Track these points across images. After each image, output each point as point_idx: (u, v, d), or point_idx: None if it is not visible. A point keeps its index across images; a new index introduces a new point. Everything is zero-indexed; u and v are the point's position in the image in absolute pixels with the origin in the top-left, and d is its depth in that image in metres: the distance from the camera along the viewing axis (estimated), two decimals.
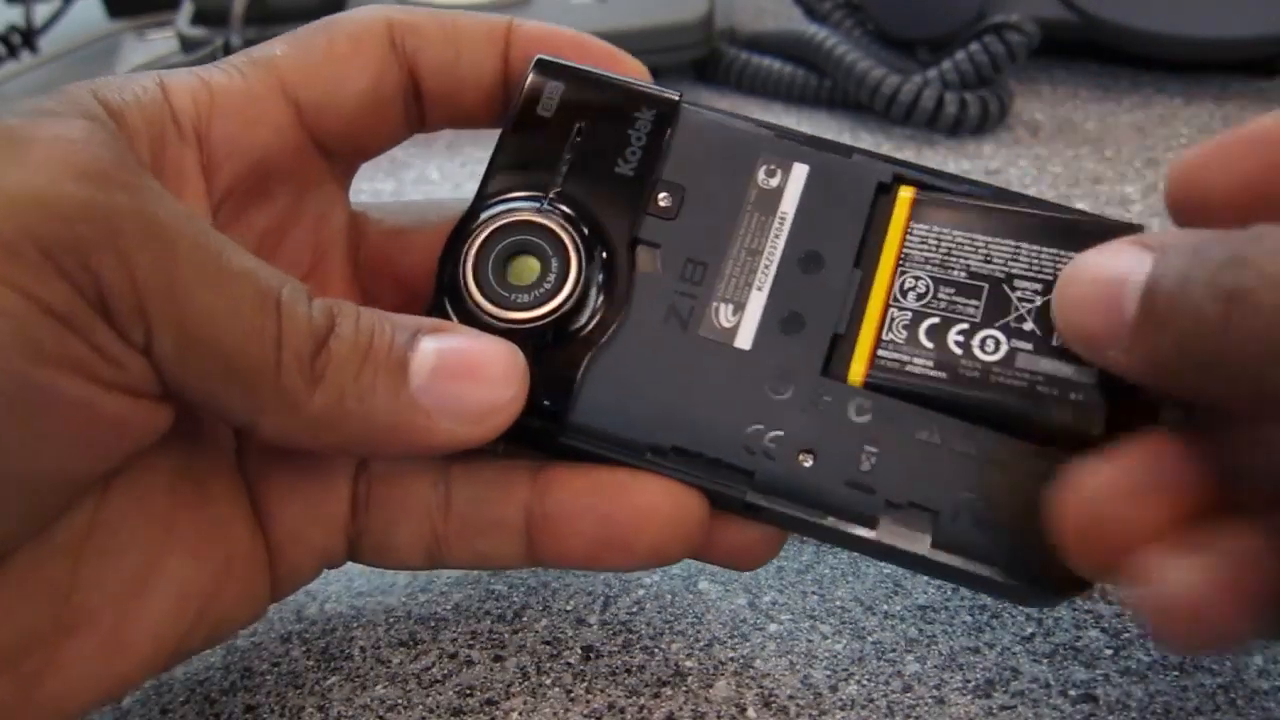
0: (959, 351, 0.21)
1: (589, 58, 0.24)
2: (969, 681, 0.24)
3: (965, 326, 0.21)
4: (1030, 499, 0.20)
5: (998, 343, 0.21)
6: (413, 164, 0.47)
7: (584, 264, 0.22)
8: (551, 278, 0.21)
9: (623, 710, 0.24)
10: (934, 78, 0.44)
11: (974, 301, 0.21)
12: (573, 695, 0.25)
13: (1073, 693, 0.24)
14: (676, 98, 0.23)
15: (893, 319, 0.21)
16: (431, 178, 0.47)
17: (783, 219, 0.22)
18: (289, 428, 0.20)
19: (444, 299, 0.22)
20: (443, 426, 0.20)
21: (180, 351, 0.18)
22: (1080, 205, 0.40)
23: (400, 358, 0.20)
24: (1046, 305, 0.20)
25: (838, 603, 0.26)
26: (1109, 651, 0.25)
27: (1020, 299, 0.21)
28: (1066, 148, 0.44)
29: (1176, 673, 0.24)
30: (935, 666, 0.25)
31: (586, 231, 0.22)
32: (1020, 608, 0.25)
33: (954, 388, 0.21)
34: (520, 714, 0.24)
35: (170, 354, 0.18)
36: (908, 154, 0.44)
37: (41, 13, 0.61)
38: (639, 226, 0.22)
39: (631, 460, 0.21)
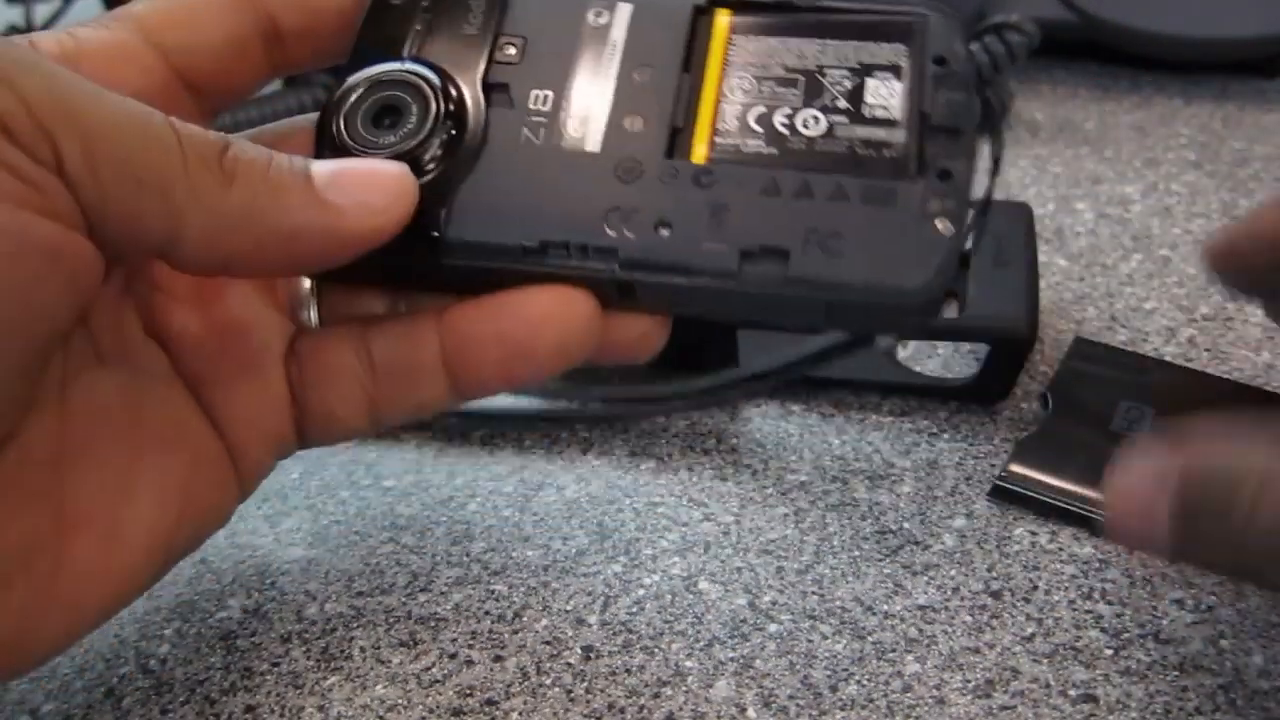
0: (785, 131, 0.24)
1: None
2: (969, 681, 0.24)
3: (788, 110, 0.24)
4: (871, 217, 0.22)
5: (817, 119, 0.24)
6: None
7: (440, 105, 0.24)
8: (413, 120, 0.24)
9: (623, 710, 0.24)
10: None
11: (793, 90, 0.24)
12: (573, 695, 0.25)
13: (1073, 693, 0.24)
14: None
15: (724, 111, 0.24)
16: None
17: (614, 47, 0.25)
18: (211, 229, 0.21)
19: (323, 149, 0.24)
20: (353, 218, 0.22)
21: (89, 162, 0.19)
22: (1080, 205, 0.40)
23: (301, 167, 0.22)
24: (857, 87, 0.24)
25: (838, 603, 0.26)
26: (1109, 651, 0.25)
27: (831, 84, 0.24)
28: (1066, 148, 0.44)
29: (1176, 673, 0.24)
30: (935, 666, 0.25)
31: (439, 80, 0.24)
32: (896, 336, 0.28)
33: (786, 158, 0.23)
34: (520, 714, 0.24)
35: (80, 166, 0.19)
36: None
37: (41, 13, 0.61)
38: (488, 73, 0.25)
39: (509, 264, 0.23)
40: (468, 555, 0.29)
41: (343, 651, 0.26)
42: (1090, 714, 0.24)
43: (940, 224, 0.22)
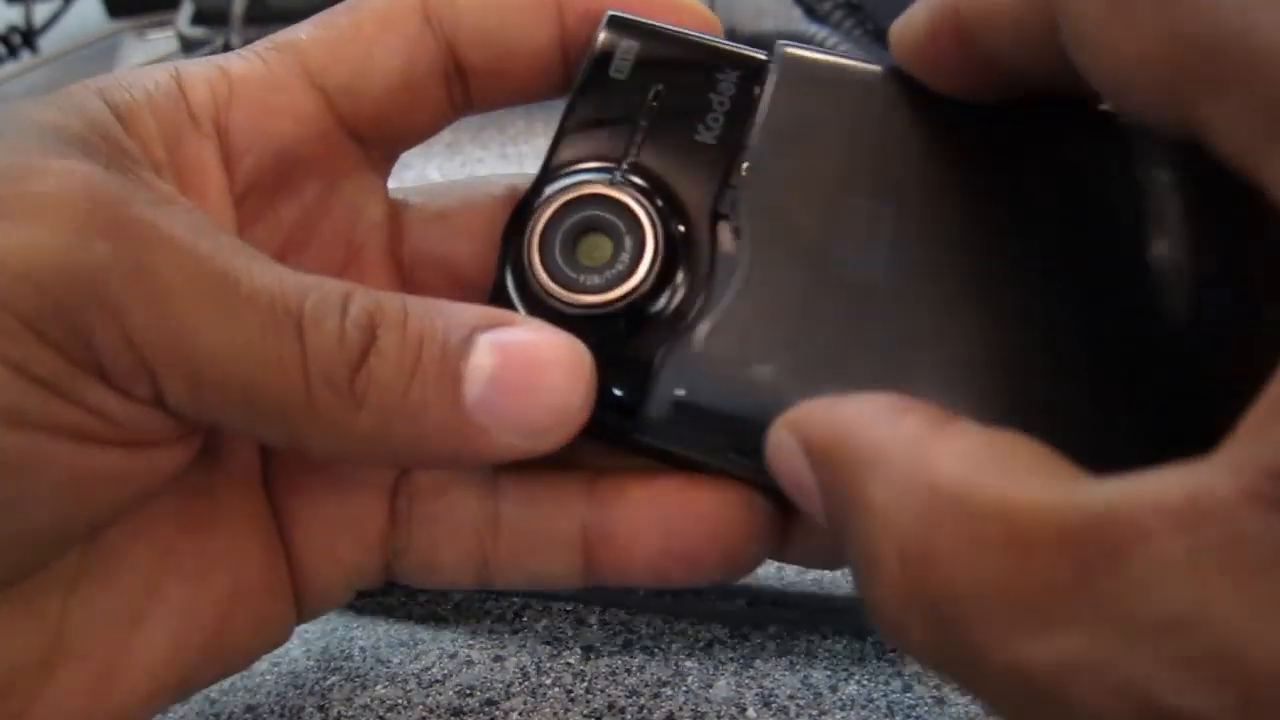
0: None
1: (655, 12, 0.22)
2: None
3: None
4: None
5: None
6: (413, 164, 0.47)
7: (660, 241, 0.19)
8: (625, 257, 0.19)
9: (623, 710, 0.24)
10: None
11: None
12: (573, 695, 0.25)
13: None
14: (764, 58, 0.21)
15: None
16: (431, 178, 0.47)
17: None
18: (335, 450, 0.18)
19: (506, 282, 0.20)
20: (501, 441, 0.18)
21: (195, 395, 0.17)
22: None
23: (453, 370, 0.18)
24: None
25: (838, 603, 0.26)
26: None
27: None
28: None
29: None
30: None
31: (662, 205, 0.20)
32: None
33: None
34: (520, 714, 0.24)
35: (185, 399, 0.17)
36: None
37: (41, 13, 0.61)
38: (721, 199, 0.20)
39: (712, 460, 0.19)
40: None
41: (343, 651, 0.26)
42: None
43: None
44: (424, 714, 0.24)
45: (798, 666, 0.25)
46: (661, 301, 0.20)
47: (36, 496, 0.17)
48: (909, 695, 0.24)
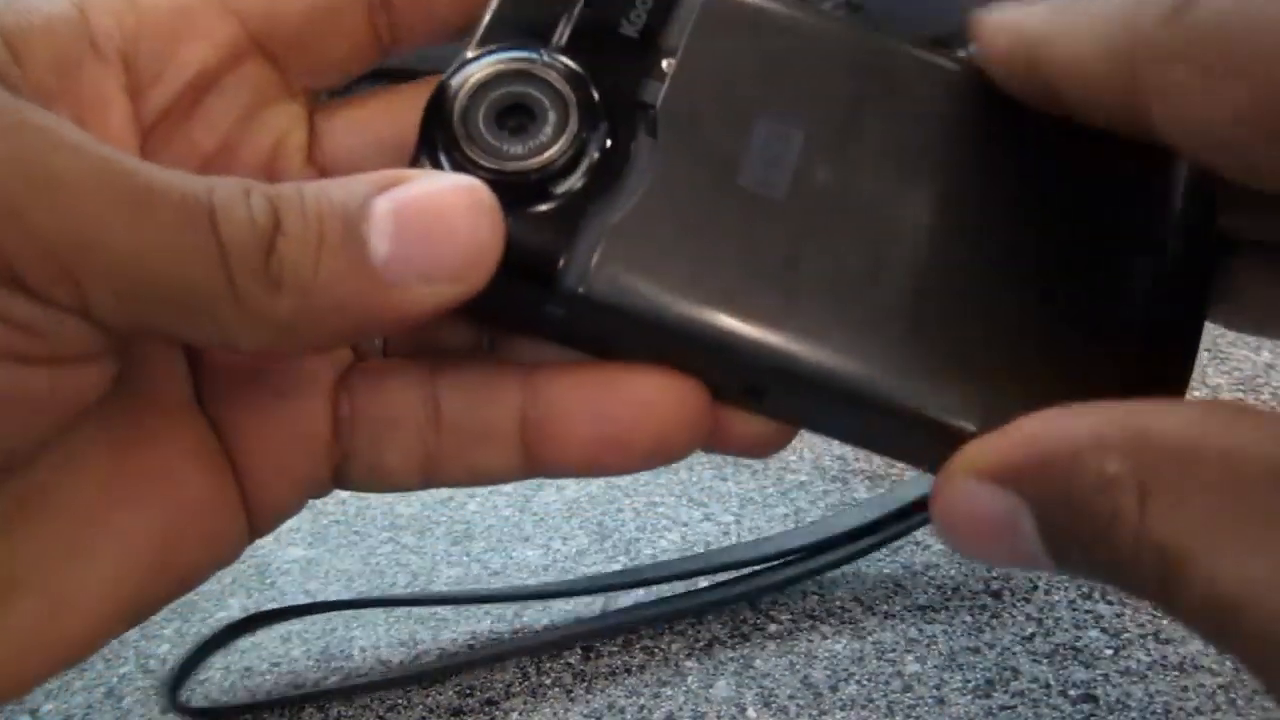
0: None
1: None
2: (969, 681, 0.24)
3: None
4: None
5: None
6: None
7: (581, 116, 0.20)
8: (547, 129, 0.20)
9: (623, 710, 0.24)
10: None
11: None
12: (573, 695, 0.25)
13: (1073, 693, 0.24)
14: None
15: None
16: None
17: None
18: (264, 339, 0.18)
19: (427, 148, 0.21)
20: (420, 292, 0.18)
21: (121, 299, 0.17)
22: None
23: (356, 235, 0.18)
24: None
25: (838, 603, 0.26)
26: (1109, 651, 0.25)
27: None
28: None
29: (1176, 673, 0.24)
30: (935, 666, 0.25)
31: (583, 85, 0.21)
32: None
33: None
34: (520, 714, 0.24)
35: (110, 303, 0.17)
36: None
37: None
38: (644, 90, 0.21)
39: (637, 338, 0.20)
40: (468, 555, 0.29)
41: (343, 651, 0.26)
42: (1090, 714, 0.24)
43: None
44: (424, 714, 0.24)
45: (798, 667, 0.25)
46: (578, 177, 0.20)
47: None
48: (909, 695, 0.24)
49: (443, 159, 0.20)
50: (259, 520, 0.22)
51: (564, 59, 0.21)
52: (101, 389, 0.19)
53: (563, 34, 0.21)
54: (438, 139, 0.20)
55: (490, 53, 0.21)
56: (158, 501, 0.20)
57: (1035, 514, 0.17)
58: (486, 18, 0.22)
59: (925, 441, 0.20)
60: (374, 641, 0.26)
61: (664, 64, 0.21)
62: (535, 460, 0.21)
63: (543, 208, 0.20)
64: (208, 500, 0.21)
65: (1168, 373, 0.20)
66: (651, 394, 0.20)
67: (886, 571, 0.27)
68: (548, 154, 0.20)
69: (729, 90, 0.21)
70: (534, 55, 0.21)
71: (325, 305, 0.18)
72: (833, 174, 0.21)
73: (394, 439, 0.22)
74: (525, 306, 0.20)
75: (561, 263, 0.20)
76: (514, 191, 0.20)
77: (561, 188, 0.20)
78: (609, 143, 0.20)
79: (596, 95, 0.21)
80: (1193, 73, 0.16)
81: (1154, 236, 0.21)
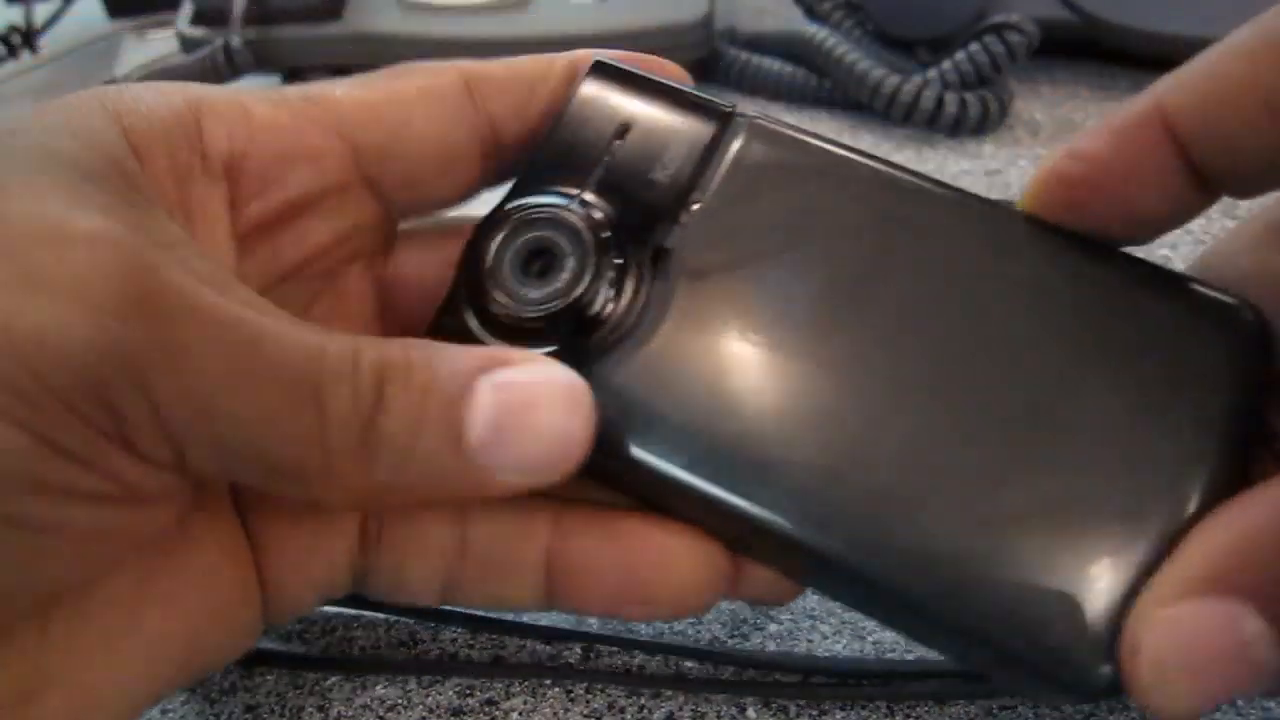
0: None
1: (640, 67, 0.23)
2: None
3: None
4: None
5: None
6: None
7: (599, 263, 0.21)
8: (565, 276, 0.21)
9: (623, 710, 0.24)
10: (934, 78, 0.44)
11: None
12: (573, 695, 0.25)
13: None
14: (730, 110, 0.23)
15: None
16: None
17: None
18: (346, 503, 0.19)
19: (459, 290, 0.22)
20: (505, 480, 0.19)
21: (217, 462, 0.18)
22: None
23: (456, 418, 0.18)
24: None
25: (837, 603, 0.26)
26: None
27: None
28: None
29: None
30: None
31: (608, 233, 0.21)
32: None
33: None
34: (520, 714, 0.24)
35: (207, 465, 0.18)
36: (907, 154, 0.44)
37: (41, 13, 0.61)
38: (665, 235, 0.21)
39: (636, 488, 0.21)
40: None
41: (342, 651, 0.26)
42: (1090, 714, 0.24)
43: None
44: (424, 714, 0.24)
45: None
46: (592, 319, 0.21)
47: (50, 557, 0.17)
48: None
49: (470, 299, 0.21)
50: (275, 616, 0.22)
51: (590, 204, 0.22)
52: (173, 521, 0.19)
53: (595, 179, 0.22)
54: (468, 279, 0.21)
55: (525, 197, 0.22)
56: (193, 601, 0.21)
57: (1262, 610, 0.15)
58: (529, 158, 0.22)
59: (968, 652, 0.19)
60: (374, 641, 0.26)
61: (691, 210, 0.21)
62: (556, 598, 0.22)
63: (555, 349, 0.21)
64: (235, 602, 0.21)
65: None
66: (677, 554, 0.21)
67: None
68: (562, 300, 0.21)
69: (747, 238, 0.21)
70: (562, 201, 0.21)
71: (413, 482, 0.19)
72: (849, 326, 0.20)
73: (419, 563, 0.22)
74: None
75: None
76: (530, 335, 0.21)
77: (580, 332, 0.21)
78: (628, 290, 0.21)
79: (617, 240, 0.21)
80: None
81: (1191, 387, 0.19)
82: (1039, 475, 0.19)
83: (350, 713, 0.25)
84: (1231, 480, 0.19)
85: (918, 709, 0.24)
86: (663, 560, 0.21)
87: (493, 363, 0.19)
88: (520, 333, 0.21)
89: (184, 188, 0.20)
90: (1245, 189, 0.20)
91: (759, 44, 0.51)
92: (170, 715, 0.25)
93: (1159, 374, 0.19)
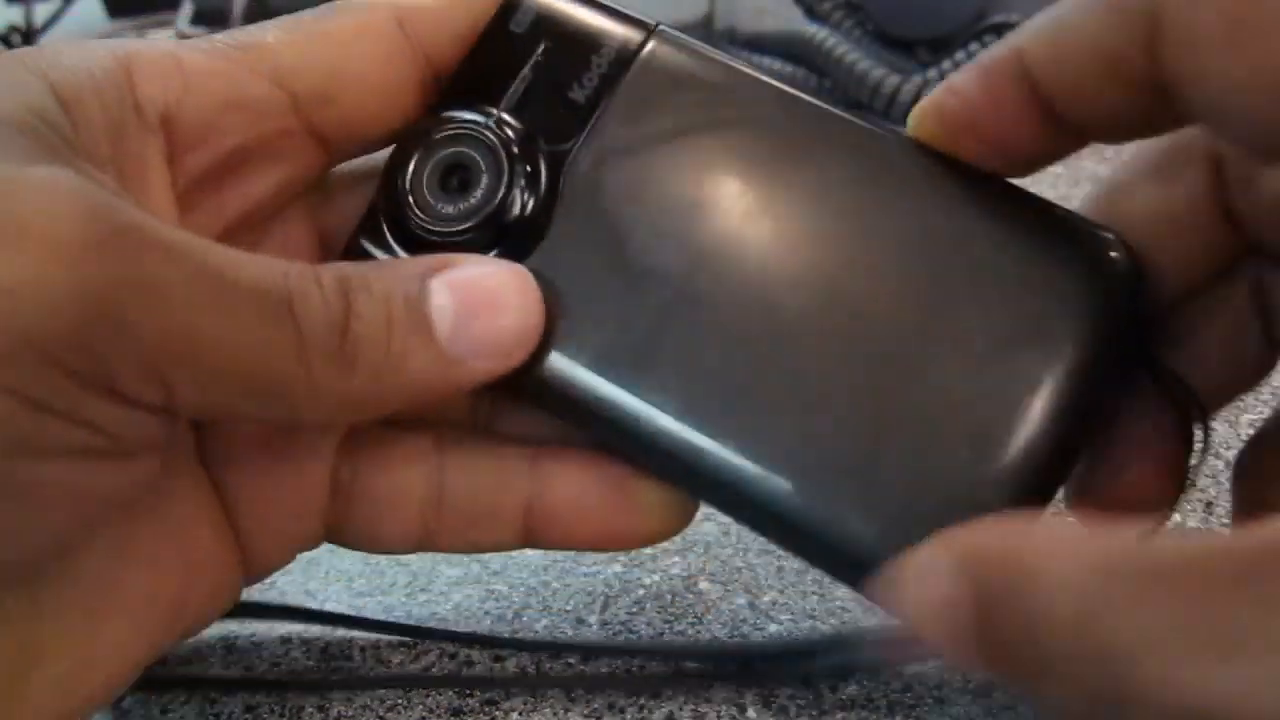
0: None
1: None
2: (969, 681, 0.24)
3: None
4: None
5: None
6: None
7: (511, 180, 0.21)
8: (479, 193, 0.21)
9: (623, 710, 0.24)
10: (934, 78, 0.44)
11: None
12: (573, 696, 0.25)
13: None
14: (649, 28, 0.23)
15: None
16: None
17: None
18: (331, 414, 0.19)
19: (378, 209, 0.22)
20: (475, 367, 0.20)
21: (203, 392, 0.18)
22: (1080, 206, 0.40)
23: (421, 315, 0.19)
24: None
25: (838, 603, 0.26)
26: None
27: None
28: None
29: None
30: (935, 666, 0.25)
31: (519, 151, 0.22)
32: None
33: None
34: (520, 714, 0.24)
35: (193, 398, 0.17)
36: None
37: (41, 13, 0.61)
38: (579, 152, 0.22)
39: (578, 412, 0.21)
40: (467, 555, 0.29)
41: (342, 651, 0.26)
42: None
43: None
44: (424, 714, 0.24)
45: None
46: (500, 239, 0.21)
47: (37, 519, 0.17)
48: (909, 695, 0.24)
49: (388, 217, 0.22)
50: (253, 571, 0.23)
51: (506, 121, 0.22)
52: (154, 476, 0.19)
53: (514, 96, 0.22)
54: (387, 197, 0.22)
55: (441, 114, 0.22)
56: (169, 562, 0.21)
57: (977, 602, 0.16)
58: (451, 75, 0.22)
59: (819, 553, 0.21)
60: (374, 641, 0.26)
61: (584, 135, 0.22)
62: (536, 538, 0.22)
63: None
64: (213, 557, 0.22)
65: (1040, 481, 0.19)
66: (657, 501, 0.22)
67: None
68: (474, 219, 0.21)
69: (635, 158, 0.22)
70: (478, 118, 0.22)
71: (394, 382, 0.19)
72: (730, 250, 0.21)
73: (393, 513, 0.22)
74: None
75: None
76: (446, 250, 0.21)
77: (489, 248, 0.21)
78: (531, 205, 0.22)
79: (529, 156, 0.22)
80: (1220, 22, 0.16)
81: (1059, 324, 0.20)
82: (884, 394, 0.20)
83: (350, 713, 0.25)
84: (1080, 414, 0.20)
85: (918, 709, 0.24)
86: (646, 506, 0.22)
87: (438, 265, 0.20)
88: (436, 248, 0.21)
89: (118, 142, 0.19)
90: (1106, 138, 0.20)
91: (759, 44, 0.51)
92: (170, 715, 0.25)
93: (1019, 303, 0.20)
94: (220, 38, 0.21)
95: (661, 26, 0.23)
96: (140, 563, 0.20)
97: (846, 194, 0.21)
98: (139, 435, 0.18)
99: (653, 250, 0.21)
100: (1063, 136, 0.20)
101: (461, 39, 0.22)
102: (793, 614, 0.26)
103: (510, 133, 0.22)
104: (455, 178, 0.22)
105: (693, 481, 0.21)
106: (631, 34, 0.22)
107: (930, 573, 0.17)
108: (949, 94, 0.20)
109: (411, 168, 0.22)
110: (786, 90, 0.22)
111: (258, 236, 0.23)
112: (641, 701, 0.24)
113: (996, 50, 0.20)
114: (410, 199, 0.22)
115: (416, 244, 0.22)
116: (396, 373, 0.19)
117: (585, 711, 0.24)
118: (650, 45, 0.22)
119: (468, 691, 0.25)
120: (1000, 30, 0.43)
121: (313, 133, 0.22)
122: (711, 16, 0.49)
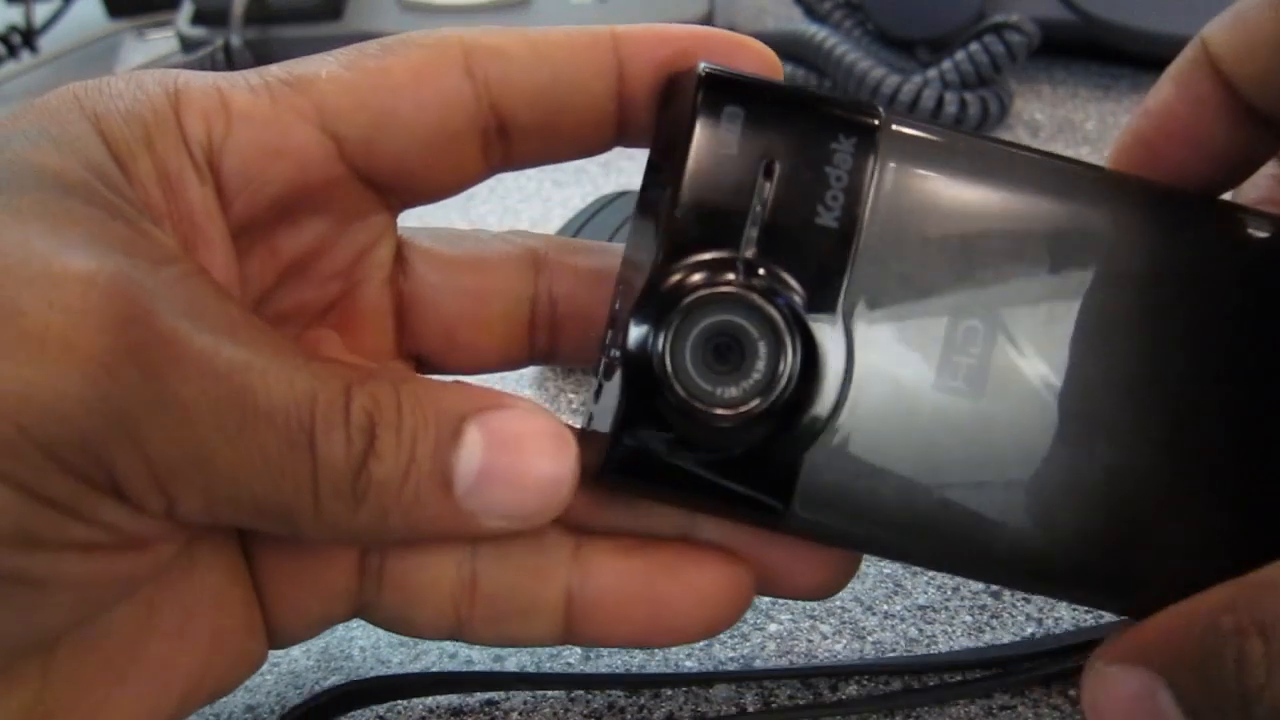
0: None
1: (718, 55, 0.20)
2: (965, 676, 0.24)
3: None
4: None
5: None
6: None
7: (795, 347, 0.18)
8: (760, 365, 0.18)
9: (623, 710, 0.24)
10: (934, 78, 0.44)
11: None
12: (573, 695, 0.25)
13: (1073, 692, 0.24)
14: (874, 122, 0.19)
15: None
16: None
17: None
18: (334, 540, 0.19)
19: (634, 390, 0.19)
20: (490, 525, 0.19)
21: (208, 508, 0.17)
22: None
23: (444, 465, 0.18)
24: None
25: (838, 603, 0.26)
26: None
27: None
28: (1066, 148, 0.44)
29: None
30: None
31: (788, 304, 0.18)
32: None
33: None
34: (520, 714, 0.24)
35: (197, 511, 0.17)
36: None
37: (41, 13, 0.61)
38: (851, 292, 0.19)
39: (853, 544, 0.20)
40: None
41: (343, 651, 0.26)
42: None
43: None
44: (424, 714, 0.24)
45: (798, 666, 0.25)
46: (799, 406, 0.19)
47: (46, 606, 0.17)
48: (908, 695, 0.24)
49: (650, 412, 0.19)
50: (279, 643, 0.22)
51: (762, 270, 0.19)
52: (167, 561, 0.19)
53: (752, 233, 0.19)
54: (642, 389, 0.18)
55: (683, 268, 0.19)
56: (198, 632, 0.20)
57: (1171, 687, 0.17)
58: (668, 217, 0.19)
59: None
60: (374, 641, 0.26)
61: (856, 257, 0.19)
62: (577, 633, 0.21)
63: (770, 443, 0.19)
64: (239, 629, 0.21)
65: None
66: (712, 580, 0.21)
67: (886, 571, 0.27)
68: (767, 397, 0.18)
69: (914, 275, 0.19)
70: (730, 271, 0.18)
71: (401, 523, 0.18)
72: (1028, 362, 0.19)
73: (423, 601, 0.21)
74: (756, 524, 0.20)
75: (792, 494, 0.19)
76: (740, 433, 0.19)
77: (788, 419, 0.19)
78: (825, 365, 0.19)
79: (794, 312, 0.18)
80: None
81: None
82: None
83: (350, 713, 0.25)
84: None
85: (918, 709, 0.24)
86: (696, 590, 0.21)
87: (483, 404, 0.19)
88: (718, 437, 0.19)
89: (173, 192, 0.19)
90: None
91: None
92: None
93: None
94: (275, 70, 0.20)
95: (885, 115, 0.19)
96: (163, 633, 0.20)
97: (1149, 272, 0.19)
98: (148, 533, 0.18)
99: (971, 385, 0.19)
100: (1264, 133, 0.20)
101: (540, 94, 0.20)
102: (793, 614, 0.26)
103: (769, 284, 0.18)
104: (723, 352, 0.18)
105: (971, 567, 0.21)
106: (860, 128, 0.19)
107: (1109, 683, 0.18)
108: (1145, 116, 0.21)
109: (667, 348, 0.18)
110: (1051, 160, 0.20)
111: (332, 291, 0.22)
112: (641, 702, 0.24)
113: (1184, 53, 0.20)
114: (675, 387, 0.18)
115: (689, 438, 0.19)
116: (405, 515, 0.18)
117: (585, 711, 0.24)
118: (888, 145, 0.19)
119: (468, 691, 0.25)
120: (1000, 30, 0.43)
121: (361, 179, 0.21)
122: (711, 16, 0.49)
